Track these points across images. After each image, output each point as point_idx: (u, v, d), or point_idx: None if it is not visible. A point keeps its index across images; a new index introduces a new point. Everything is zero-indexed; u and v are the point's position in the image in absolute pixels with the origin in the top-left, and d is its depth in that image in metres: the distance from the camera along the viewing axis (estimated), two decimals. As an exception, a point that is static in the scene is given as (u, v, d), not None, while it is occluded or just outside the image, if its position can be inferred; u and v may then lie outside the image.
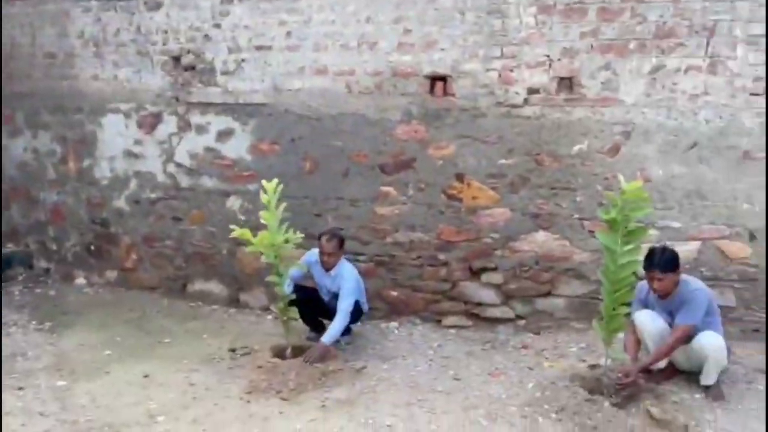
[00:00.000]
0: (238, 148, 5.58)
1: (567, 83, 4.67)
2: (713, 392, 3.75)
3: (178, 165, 5.83)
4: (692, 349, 3.76)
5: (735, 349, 4.06)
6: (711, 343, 3.69)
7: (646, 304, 3.93)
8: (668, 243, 4.26)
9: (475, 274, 5.02)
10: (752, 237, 4.47)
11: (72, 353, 4.70)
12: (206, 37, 5.53)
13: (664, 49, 4.45)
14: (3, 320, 5.22)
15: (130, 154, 6.01)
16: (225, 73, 5.51)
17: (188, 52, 5.62)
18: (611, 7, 4.50)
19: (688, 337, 3.74)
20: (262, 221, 4.29)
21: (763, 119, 4.35)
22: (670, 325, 3.81)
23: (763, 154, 4.37)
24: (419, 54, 4.92)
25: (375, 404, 3.79)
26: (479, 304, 5.04)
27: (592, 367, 4.12)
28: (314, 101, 5.25)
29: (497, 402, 3.79)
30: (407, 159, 5.07)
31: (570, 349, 4.53)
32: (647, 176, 4.52)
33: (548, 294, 4.90)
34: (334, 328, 4.39)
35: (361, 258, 5.20)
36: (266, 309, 5.51)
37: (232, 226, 4.38)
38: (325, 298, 4.68)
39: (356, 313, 4.57)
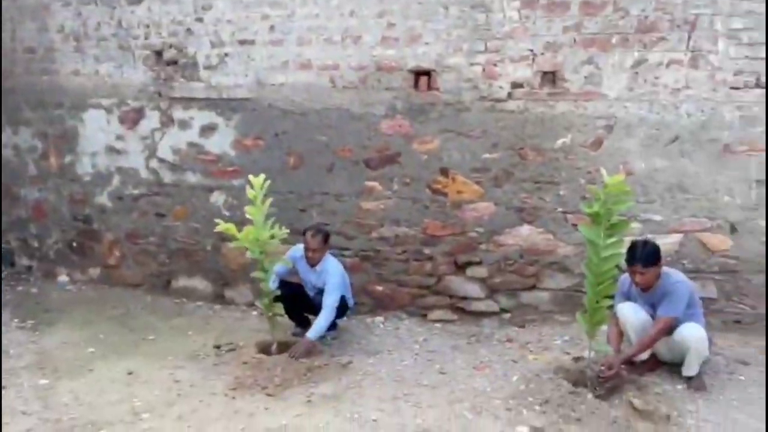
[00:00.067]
0: (221, 143, 5.54)
1: (550, 77, 4.69)
2: (695, 383, 3.79)
3: (161, 160, 5.78)
4: (674, 340, 3.81)
5: (716, 340, 4.13)
6: (692, 334, 3.74)
7: (628, 297, 3.97)
8: (650, 236, 4.32)
9: (460, 268, 5.04)
10: (733, 229, 4.52)
11: (54, 351, 4.66)
12: (188, 31, 5.48)
13: (646, 43, 4.49)
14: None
15: (112, 150, 5.95)
16: (208, 67, 5.47)
17: (170, 46, 5.56)
18: (594, 1, 4.53)
19: (670, 329, 3.78)
20: (248, 216, 4.27)
21: (743, 113, 4.40)
22: (653, 317, 3.85)
23: (744, 147, 4.43)
24: (403, 48, 4.92)
25: (361, 399, 3.80)
26: (464, 298, 5.07)
27: (576, 359, 4.16)
28: (298, 96, 5.23)
29: (482, 395, 3.81)
30: (392, 154, 5.07)
31: (554, 342, 4.56)
32: (629, 170, 4.56)
33: (533, 287, 4.94)
34: (320, 324, 4.38)
35: (347, 253, 5.20)
36: (251, 305, 5.49)
37: (217, 220, 4.36)
38: (311, 293, 4.68)
39: (342, 308, 4.57)
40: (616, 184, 3.48)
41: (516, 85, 4.74)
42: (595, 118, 4.64)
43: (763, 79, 4.35)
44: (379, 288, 5.23)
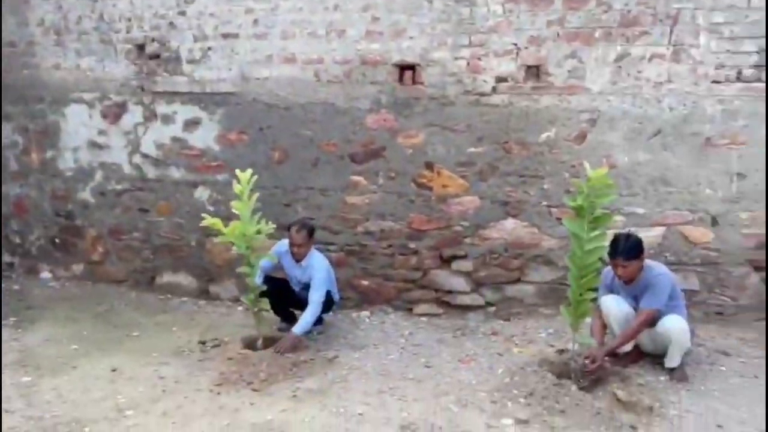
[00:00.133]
0: (205, 137, 5.50)
1: (534, 71, 4.71)
2: (677, 374, 3.84)
3: (144, 156, 5.73)
4: (657, 332, 3.84)
5: (698, 331, 4.17)
6: (675, 326, 3.78)
7: (611, 289, 4.00)
8: (633, 229, 4.35)
9: (446, 262, 5.06)
10: (714, 222, 4.57)
11: (37, 348, 4.62)
12: (171, 24, 5.43)
13: (629, 37, 4.51)
14: (-35, 316, 5.11)
15: (94, 145, 5.89)
16: (191, 61, 5.42)
17: (153, 40, 5.51)
18: (577, -5, 4.55)
19: (652, 321, 3.82)
20: (234, 211, 4.25)
21: (725, 106, 4.45)
22: (635, 309, 3.88)
23: (725, 141, 4.47)
24: (388, 42, 4.91)
25: (347, 393, 3.80)
26: (450, 292, 5.08)
27: (560, 351, 4.19)
28: (283, 90, 5.20)
29: (467, 388, 3.83)
30: (377, 148, 5.06)
31: (539, 335, 4.59)
32: (613, 163, 4.59)
33: (517, 281, 4.96)
34: (306, 320, 4.38)
35: (332, 248, 5.19)
36: (236, 300, 5.46)
37: (203, 215, 4.33)
38: (296, 288, 4.67)
39: (328, 303, 4.56)
40: (600, 177, 3.50)
41: (500, 79, 4.75)
42: (579, 112, 4.67)
43: (745, 72, 4.39)
44: (365, 282, 5.23)
